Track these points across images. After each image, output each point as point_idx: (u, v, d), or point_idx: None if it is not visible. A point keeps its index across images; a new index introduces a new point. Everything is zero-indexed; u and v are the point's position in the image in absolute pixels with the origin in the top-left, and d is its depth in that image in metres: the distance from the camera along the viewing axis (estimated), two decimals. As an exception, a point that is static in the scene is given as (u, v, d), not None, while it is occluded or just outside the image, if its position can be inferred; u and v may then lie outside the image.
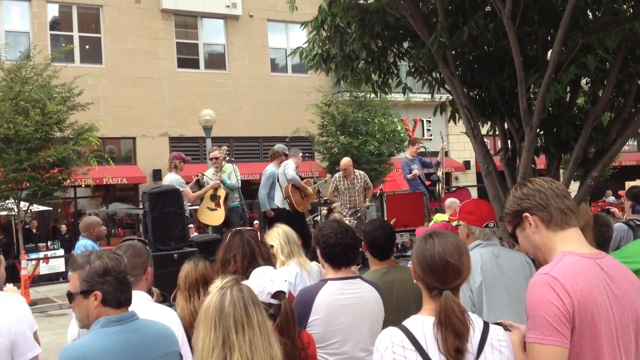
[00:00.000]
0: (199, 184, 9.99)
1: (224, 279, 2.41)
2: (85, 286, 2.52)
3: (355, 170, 10.82)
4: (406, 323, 2.29)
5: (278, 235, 4.63)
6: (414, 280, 2.41)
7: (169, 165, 9.95)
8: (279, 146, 10.43)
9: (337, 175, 10.73)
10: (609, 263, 2.39)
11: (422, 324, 2.26)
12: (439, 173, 11.94)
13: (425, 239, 2.41)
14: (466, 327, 2.24)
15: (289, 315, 2.93)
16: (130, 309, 3.00)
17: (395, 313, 3.61)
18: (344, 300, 3.51)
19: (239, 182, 10.14)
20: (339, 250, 3.57)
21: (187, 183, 9.89)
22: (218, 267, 3.80)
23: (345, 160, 10.81)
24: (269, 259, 3.88)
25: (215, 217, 9.71)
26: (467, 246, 3.81)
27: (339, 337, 3.49)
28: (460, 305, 2.29)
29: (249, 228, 4.30)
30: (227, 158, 10.31)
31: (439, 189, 11.79)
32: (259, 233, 4.04)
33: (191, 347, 3.37)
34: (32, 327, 2.96)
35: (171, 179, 9.58)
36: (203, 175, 10.09)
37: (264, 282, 2.99)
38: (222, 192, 9.76)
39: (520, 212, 2.45)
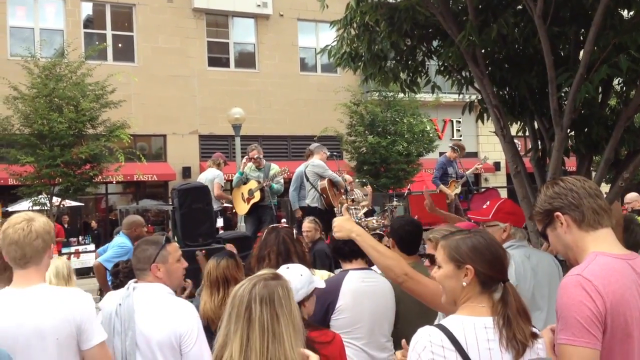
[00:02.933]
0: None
1: (262, 272, 2.47)
2: None
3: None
4: (445, 322, 2.24)
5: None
6: (462, 281, 2.28)
7: (212, 162, 11.00)
8: (313, 145, 10.48)
9: None
10: (640, 263, 2.37)
11: (462, 323, 2.20)
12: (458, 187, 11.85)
13: (473, 233, 2.39)
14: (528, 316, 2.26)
15: None
16: (145, 301, 3.16)
17: (419, 306, 3.62)
18: (366, 287, 3.67)
19: (282, 185, 10.43)
20: (351, 245, 3.54)
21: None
22: (253, 263, 3.85)
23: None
24: (304, 258, 3.92)
25: (242, 207, 10.18)
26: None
27: (364, 322, 3.62)
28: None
29: (285, 226, 4.34)
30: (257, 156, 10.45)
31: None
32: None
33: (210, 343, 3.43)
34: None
35: (213, 173, 10.69)
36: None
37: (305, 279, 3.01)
38: (258, 196, 9.91)
39: (551, 211, 2.41)
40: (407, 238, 4.13)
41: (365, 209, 11.13)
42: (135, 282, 3.36)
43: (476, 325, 2.18)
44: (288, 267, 3.08)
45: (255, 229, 9.71)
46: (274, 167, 10.22)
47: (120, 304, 3.21)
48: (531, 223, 5.80)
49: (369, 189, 12.27)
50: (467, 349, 2.14)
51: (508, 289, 2.27)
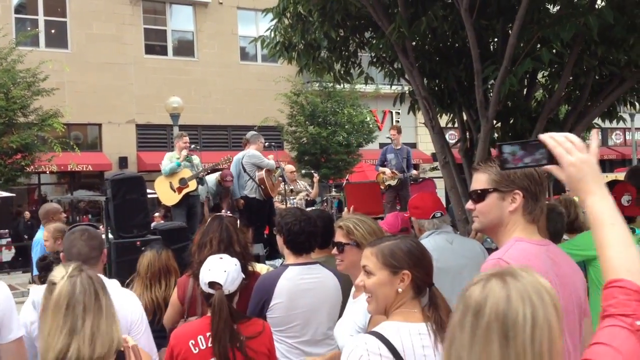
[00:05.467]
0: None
1: (68, 267, 2.40)
2: None
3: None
4: (380, 330, 2.18)
5: None
6: (397, 287, 2.25)
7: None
8: (249, 134, 10.37)
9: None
10: (554, 250, 2.46)
11: (398, 330, 2.17)
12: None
13: (403, 238, 2.38)
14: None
15: (216, 307, 2.94)
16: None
17: None
18: (304, 285, 3.58)
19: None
20: (304, 238, 3.62)
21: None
22: (194, 249, 3.82)
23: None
24: (246, 247, 3.91)
25: (170, 197, 9.73)
26: (421, 237, 3.94)
27: (299, 321, 3.56)
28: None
29: (230, 215, 4.32)
30: (193, 146, 10.27)
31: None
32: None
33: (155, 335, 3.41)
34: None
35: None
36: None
37: (203, 271, 3.02)
38: (193, 185, 9.74)
39: (514, 185, 2.38)
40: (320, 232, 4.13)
41: (306, 198, 11.19)
42: None
43: (411, 332, 2.17)
44: (221, 258, 3.10)
45: (186, 220, 9.50)
46: (196, 157, 10.04)
47: None
48: (458, 212, 5.97)
49: (315, 178, 12.24)
50: (405, 356, 2.11)
51: (435, 292, 2.28)
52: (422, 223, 4.03)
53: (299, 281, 3.57)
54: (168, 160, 9.85)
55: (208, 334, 2.93)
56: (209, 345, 2.91)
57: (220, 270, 3.02)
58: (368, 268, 2.31)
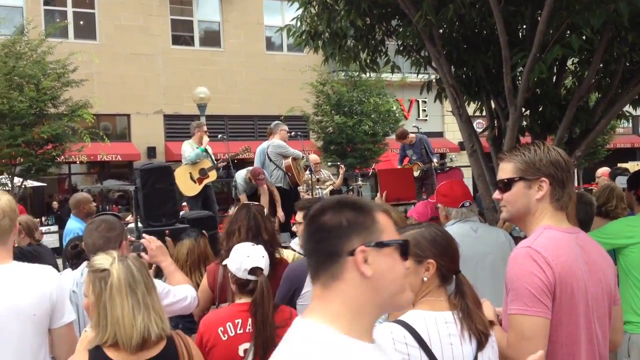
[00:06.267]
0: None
1: (108, 255, 2.46)
2: None
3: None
4: (405, 318, 2.16)
5: None
6: (423, 276, 2.24)
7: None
8: (273, 124, 10.37)
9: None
10: (584, 238, 2.45)
11: (424, 319, 2.16)
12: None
13: (427, 226, 2.38)
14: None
15: (265, 292, 2.99)
16: None
17: None
18: None
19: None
20: None
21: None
22: (223, 237, 3.87)
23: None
24: (274, 234, 3.96)
25: (191, 188, 9.67)
26: (445, 225, 3.94)
27: None
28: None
29: (256, 203, 4.36)
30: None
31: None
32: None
33: None
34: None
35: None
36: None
37: (240, 258, 3.06)
38: (213, 175, 9.77)
39: (540, 173, 2.39)
40: None
41: (331, 188, 11.21)
42: None
43: (437, 321, 2.16)
44: (253, 245, 3.16)
45: (205, 209, 9.50)
46: (209, 148, 10.01)
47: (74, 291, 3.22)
48: (486, 201, 5.94)
49: (342, 169, 12.23)
50: (431, 345, 2.10)
51: (462, 279, 2.27)
52: (450, 211, 4.01)
53: None
54: (190, 148, 9.79)
55: (237, 320, 2.97)
56: (238, 332, 2.95)
57: (259, 255, 3.07)
58: None
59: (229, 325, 2.96)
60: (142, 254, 3.61)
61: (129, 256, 2.53)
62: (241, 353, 2.93)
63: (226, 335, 2.94)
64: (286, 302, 3.47)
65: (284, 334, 2.96)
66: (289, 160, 9.57)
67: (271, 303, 3.02)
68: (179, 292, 3.29)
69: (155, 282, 3.27)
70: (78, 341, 2.55)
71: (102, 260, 2.44)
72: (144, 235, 3.76)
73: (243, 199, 8.93)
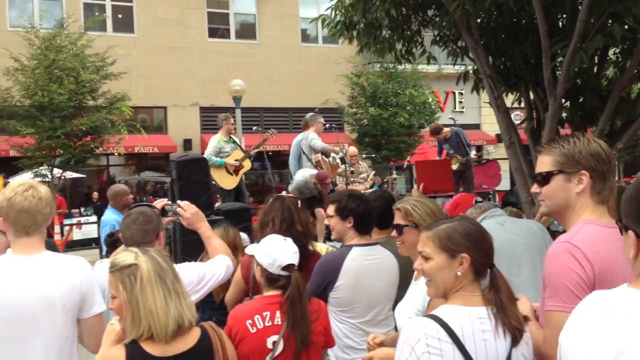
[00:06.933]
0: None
1: (128, 252, 2.48)
2: None
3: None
4: (439, 313, 2.11)
5: None
6: (456, 270, 2.20)
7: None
8: (308, 115, 10.31)
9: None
10: (625, 233, 2.38)
11: (457, 314, 2.10)
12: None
13: (460, 220, 2.32)
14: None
15: (300, 287, 3.00)
16: None
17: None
18: (369, 266, 3.60)
19: None
20: (373, 218, 3.70)
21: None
22: (257, 228, 3.89)
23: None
24: (307, 226, 3.96)
25: (229, 181, 9.73)
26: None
27: (363, 302, 3.58)
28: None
29: (290, 195, 4.37)
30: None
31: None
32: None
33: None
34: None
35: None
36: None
37: (274, 253, 3.04)
38: (248, 164, 9.81)
39: (580, 165, 2.32)
40: (380, 212, 4.05)
41: (371, 183, 11.04)
42: None
43: (471, 316, 2.11)
44: (285, 239, 3.15)
45: (234, 201, 9.45)
46: (236, 138, 10.04)
47: None
48: (524, 194, 5.83)
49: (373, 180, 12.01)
50: (464, 341, 2.05)
51: (496, 274, 2.21)
52: (469, 213, 3.97)
53: (363, 261, 3.59)
54: (213, 149, 9.73)
55: (265, 313, 2.97)
56: (266, 324, 2.95)
57: (292, 251, 3.07)
58: (425, 253, 2.26)
59: (257, 318, 2.95)
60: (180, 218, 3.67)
61: (148, 249, 2.54)
62: (270, 345, 2.92)
63: (255, 328, 2.93)
64: (318, 294, 3.45)
65: (313, 327, 2.98)
66: (319, 155, 9.52)
67: (306, 299, 3.00)
68: (212, 269, 3.34)
69: (192, 269, 3.31)
70: (104, 334, 2.56)
71: (124, 257, 2.45)
72: (178, 202, 3.75)
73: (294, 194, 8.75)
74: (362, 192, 7.85)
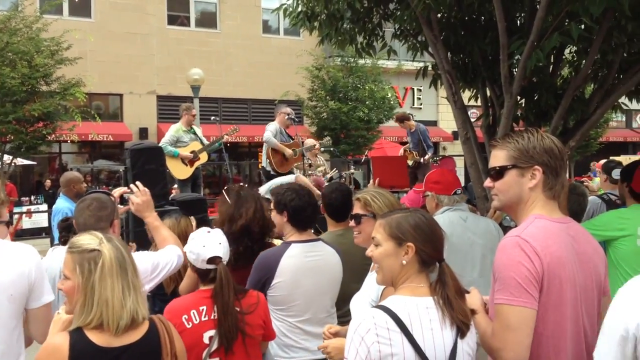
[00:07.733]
0: None
1: (93, 235, 2.41)
2: None
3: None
4: (387, 303, 2.19)
5: None
6: (402, 259, 2.25)
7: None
8: (276, 105, 10.24)
9: None
10: (575, 228, 2.41)
11: (405, 304, 2.17)
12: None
13: (413, 212, 2.37)
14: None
15: (224, 281, 2.93)
16: None
17: (349, 275, 3.66)
18: (308, 263, 3.52)
19: None
20: (309, 212, 3.59)
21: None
22: (222, 219, 3.76)
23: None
24: (270, 219, 3.88)
25: (182, 171, 9.64)
26: (435, 213, 3.91)
27: (301, 300, 3.50)
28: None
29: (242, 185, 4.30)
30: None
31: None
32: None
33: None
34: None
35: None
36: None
37: (196, 248, 2.99)
38: (205, 157, 9.72)
39: (533, 161, 2.35)
40: (335, 205, 4.05)
41: (329, 176, 11.02)
42: None
43: (419, 306, 2.17)
44: (209, 231, 3.08)
45: (193, 191, 9.40)
46: (198, 129, 9.94)
47: None
48: (478, 190, 5.90)
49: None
50: (412, 330, 2.11)
51: (444, 269, 2.26)
52: (442, 199, 3.99)
53: (302, 259, 3.51)
54: (170, 138, 9.68)
55: (201, 308, 2.92)
56: (203, 319, 2.90)
57: (215, 243, 3.00)
58: (376, 239, 2.34)
59: (193, 313, 2.90)
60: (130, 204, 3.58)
61: (112, 236, 2.46)
62: (206, 340, 2.87)
63: (190, 323, 2.87)
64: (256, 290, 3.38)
65: (250, 320, 2.93)
66: (268, 147, 9.46)
67: (231, 292, 2.93)
68: (165, 258, 3.29)
69: (146, 257, 3.23)
70: (51, 323, 2.49)
71: (88, 240, 2.38)
72: (137, 183, 3.64)
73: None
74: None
